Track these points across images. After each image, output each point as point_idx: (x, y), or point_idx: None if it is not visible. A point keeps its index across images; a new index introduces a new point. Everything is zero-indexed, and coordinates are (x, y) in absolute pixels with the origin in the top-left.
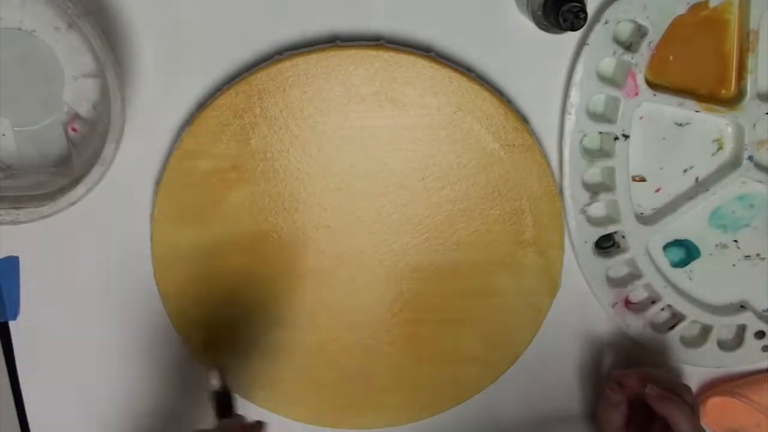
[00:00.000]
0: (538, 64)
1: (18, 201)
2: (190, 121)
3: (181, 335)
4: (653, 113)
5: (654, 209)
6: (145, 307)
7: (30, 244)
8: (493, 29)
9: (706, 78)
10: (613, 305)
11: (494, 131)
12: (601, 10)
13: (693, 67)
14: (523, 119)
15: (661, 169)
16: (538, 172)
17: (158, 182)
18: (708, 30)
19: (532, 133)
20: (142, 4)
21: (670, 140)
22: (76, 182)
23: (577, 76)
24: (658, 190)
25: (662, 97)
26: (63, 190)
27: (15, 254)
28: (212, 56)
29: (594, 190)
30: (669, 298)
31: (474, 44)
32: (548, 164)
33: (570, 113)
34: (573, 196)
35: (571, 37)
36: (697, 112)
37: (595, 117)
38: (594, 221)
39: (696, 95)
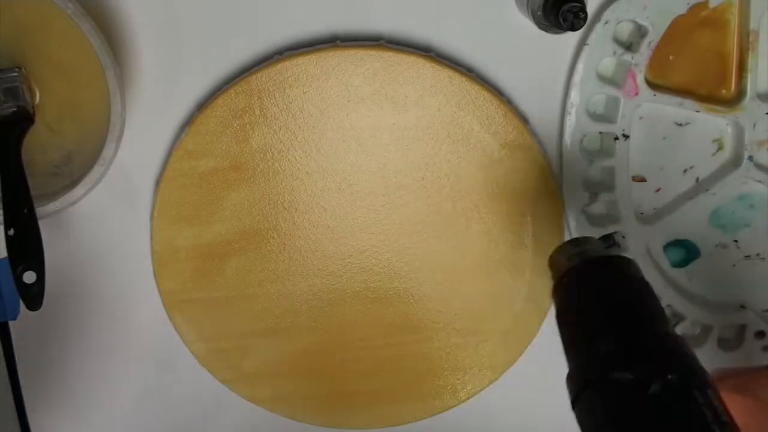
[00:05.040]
0: (537, 64)
1: None
2: (190, 121)
3: (181, 334)
4: (653, 113)
5: (654, 209)
6: (145, 306)
7: None
8: (493, 29)
9: (706, 78)
10: None
11: (494, 131)
12: (601, 10)
13: (693, 67)
14: (523, 119)
15: (661, 169)
16: (537, 172)
17: (158, 182)
18: (708, 30)
19: (531, 133)
20: (141, 4)
21: (670, 140)
22: (75, 182)
23: (577, 76)
24: (658, 190)
25: (662, 97)
26: (63, 191)
27: None
28: (212, 56)
29: (594, 190)
30: (669, 298)
31: (474, 44)
32: (548, 164)
33: (570, 113)
34: (573, 196)
35: (571, 37)
36: (697, 112)
37: (595, 117)
38: (594, 221)
39: (696, 95)
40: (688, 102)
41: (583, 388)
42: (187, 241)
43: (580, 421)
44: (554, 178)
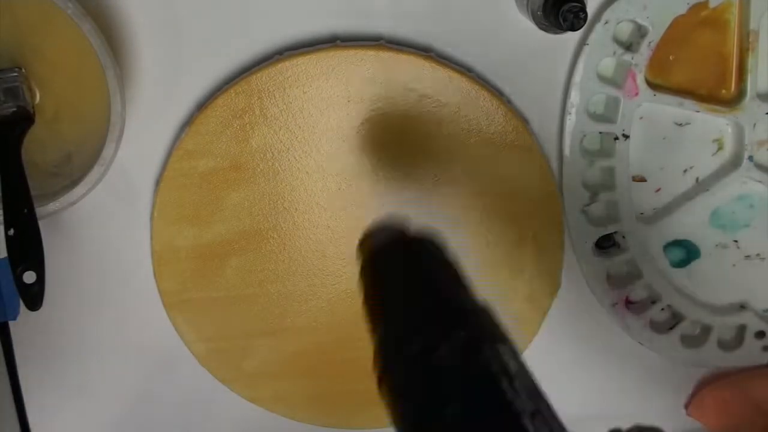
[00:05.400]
0: (537, 64)
1: None
2: (190, 121)
3: (181, 334)
4: (653, 113)
5: (654, 209)
6: (145, 306)
7: None
8: (492, 29)
9: (706, 78)
10: (614, 305)
11: (494, 131)
12: (601, 10)
13: (693, 67)
14: (523, 119)
15: (661, 169)
16: (537, 172)
17: (158, 182)
18: (708, 30)
19: (531, 133)
20: (141, 3)
21: (670, 140)
22: (75, 182)
23: (577, 76)
24: (658, 190)
25: (662, 97)
26: (63, 191)
27: None
28: (212, 56)
29: (594, 190)
30: (669, 298)
31: (474, 44)
32: (548, 164)
33: (570, 113)
34: (573, 196)
35: (571, 37)
36: (697, 112)
37: (595, 117)
38: (594, 221)
39: (696, 95)
40: (688, 102)
41: (383, 372)
42: (187, 241)
43: (387, 406)
44: (554, 178)
